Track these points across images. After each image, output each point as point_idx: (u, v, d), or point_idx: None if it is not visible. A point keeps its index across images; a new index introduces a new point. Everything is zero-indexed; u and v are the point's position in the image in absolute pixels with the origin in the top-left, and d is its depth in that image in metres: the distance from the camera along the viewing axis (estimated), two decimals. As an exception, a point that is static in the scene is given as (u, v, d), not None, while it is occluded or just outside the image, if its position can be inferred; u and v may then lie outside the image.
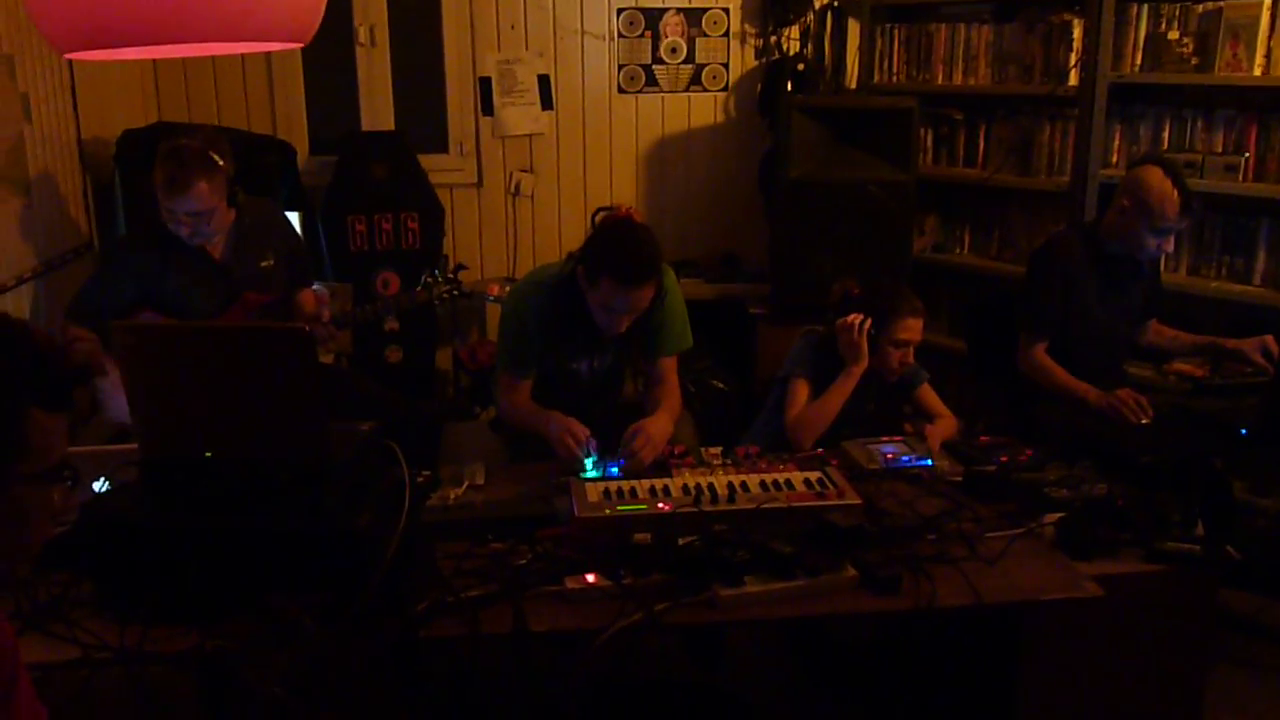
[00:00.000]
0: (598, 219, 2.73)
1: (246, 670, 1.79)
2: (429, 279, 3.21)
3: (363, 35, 4.59)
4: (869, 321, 2.81)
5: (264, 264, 3.10)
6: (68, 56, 1.55)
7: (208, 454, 1.87)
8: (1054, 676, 2.18)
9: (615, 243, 2.65)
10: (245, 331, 1.95)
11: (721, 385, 4.38)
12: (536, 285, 2.84)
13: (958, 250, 4.77)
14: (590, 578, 2.01)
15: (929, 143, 4.74)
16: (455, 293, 3.21)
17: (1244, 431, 2.70)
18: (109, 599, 1.92)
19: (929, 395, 3.01)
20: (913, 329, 2.85)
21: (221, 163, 2.87)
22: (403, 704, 2.01)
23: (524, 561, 2.09)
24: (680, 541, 2.07)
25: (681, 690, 2.66)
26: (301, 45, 1.68)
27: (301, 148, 4.52)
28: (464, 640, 1.87)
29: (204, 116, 4.29)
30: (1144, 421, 2.84)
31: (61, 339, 2.89)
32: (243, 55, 4.41)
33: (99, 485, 2.08)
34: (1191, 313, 3.64)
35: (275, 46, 1.66)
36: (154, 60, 4.29)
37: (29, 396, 1.20)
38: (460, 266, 3.29)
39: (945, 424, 2.86)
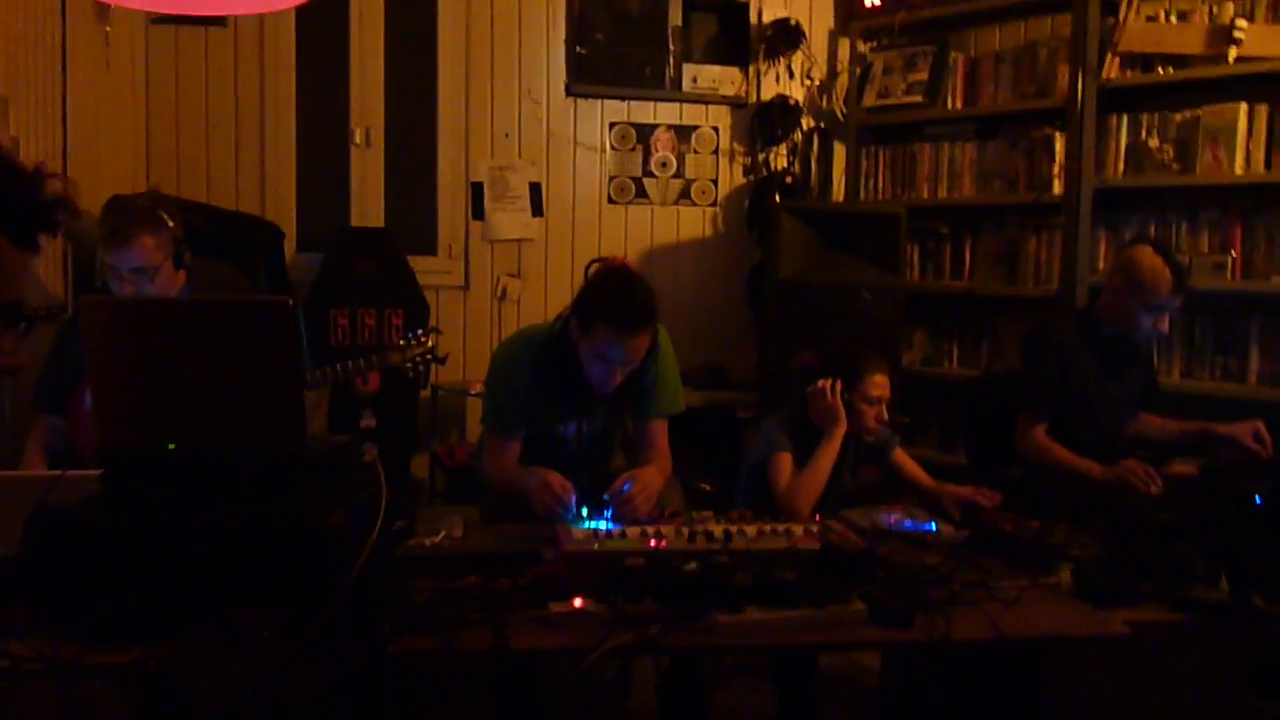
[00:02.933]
0: (591, 270, 2.67)
1: (191, 682, 1.60)
2: (402, 340, 3.10)
3: (358, 136, 4.63)
4: (839, 383, 2.80)
5: None
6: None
7: (170, 445, 1.74)
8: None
9: (611, 289, 2.58)
10: (221, 305, 1.84)
11: (708, 488, 4.24)
12: (525, 342, 2.76)
13: (946, 364, 4.74)
14: (578, 602, 1.85)
15: (915, 258, 4.77)
16: (430, 356, 3.10)
17: (1259, 500, 2.59)
18: (49, 614, 1.74)
19: (905, 460, 2.97)
20: (882, 385, 2.85)
21: (170, 222, 2.79)
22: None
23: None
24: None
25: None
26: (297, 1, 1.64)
27: (289, 242, 4.48)
28: (436, 657, 1.70)
29: (192, 192, 4.25)
30: (1154, 491, 2.75)
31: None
32: (236, 136, 4.44)
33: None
34: (1188, 414, 3.58)
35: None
36: (145, 126, 4.29)
37: None
38: (435, 330, 3.19)
39: (950, 488, 2.76)
